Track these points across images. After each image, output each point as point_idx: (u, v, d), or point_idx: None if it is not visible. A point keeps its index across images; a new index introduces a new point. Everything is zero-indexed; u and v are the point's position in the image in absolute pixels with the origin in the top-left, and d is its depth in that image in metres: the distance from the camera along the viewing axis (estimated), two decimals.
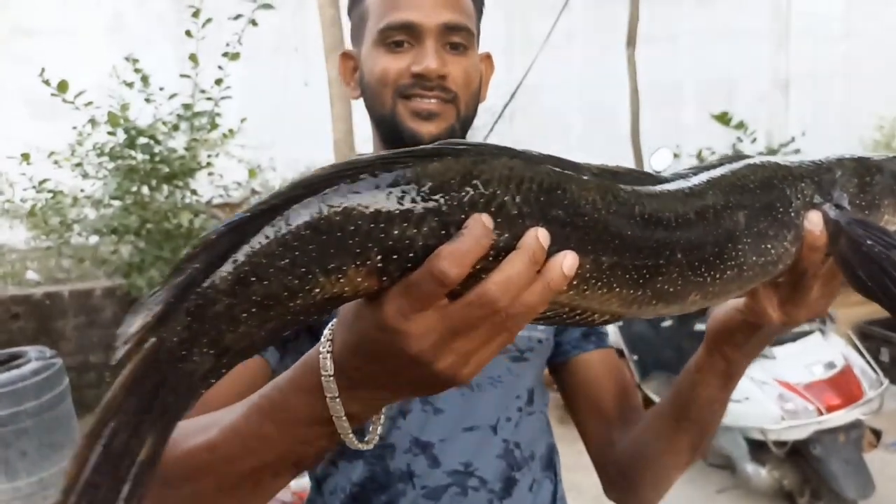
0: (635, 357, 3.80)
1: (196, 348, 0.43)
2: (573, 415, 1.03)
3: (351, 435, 0.52)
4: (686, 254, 0.53)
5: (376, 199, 0.44)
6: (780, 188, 0.60)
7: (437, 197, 0.44)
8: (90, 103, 3.82)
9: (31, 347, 3.48)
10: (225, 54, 3.89)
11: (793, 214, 0.60)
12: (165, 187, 4.05)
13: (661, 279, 0.53)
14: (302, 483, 2.99)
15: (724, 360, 0.76)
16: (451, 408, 0.92)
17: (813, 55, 6.24)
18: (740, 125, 5.10)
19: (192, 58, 3.85)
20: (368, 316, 0.47)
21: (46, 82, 3.68)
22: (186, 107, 4.02)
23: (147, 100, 4.00)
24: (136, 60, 4.00)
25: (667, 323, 3.75)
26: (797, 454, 3.07)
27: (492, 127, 3.89)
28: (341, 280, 0.44)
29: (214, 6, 3.75)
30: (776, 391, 3.08)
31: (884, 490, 3.10)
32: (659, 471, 0.91)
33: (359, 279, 0.44)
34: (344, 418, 0.51)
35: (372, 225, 0.43)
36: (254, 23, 3.86)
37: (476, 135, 0.99)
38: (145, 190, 4.00)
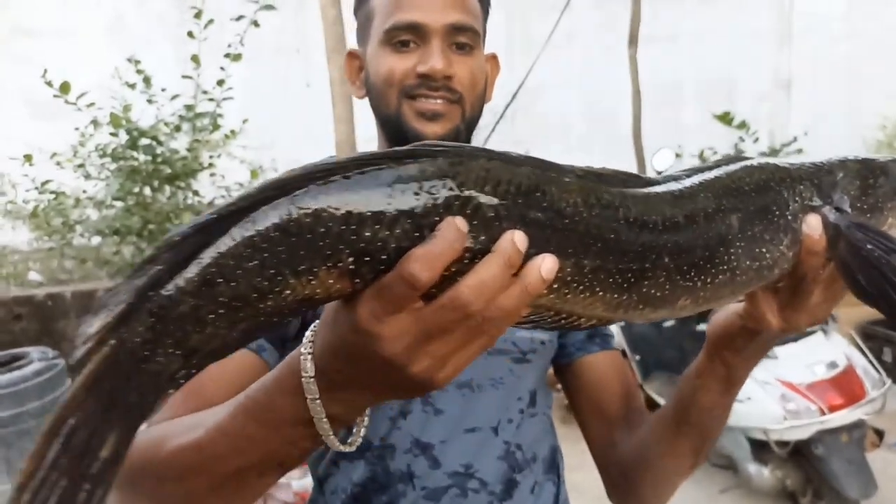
0: (637, 357, 3.80)
1: (160, 349, 0.43)
2: (577, 416, 1.03)
3: (332, 436, 0.52)
4: (674, 258, 0.53)
5: (347, 200, 0.43)
6: (776, 191, 0.59)
7: (409, 199, 0.44)
8: (92, 104, 3.83)
9: (33, 348, 3.49)
10: (227, 55, 3.90)
11: (790, 218, 0.59)
12: (167, 188, 4.06)
13: (648, 283, 0.52)
14: (304, 483, 2.99)
15: (724, 365, 0.75)
16: (452, 409, 0.92)
17: (815, 55, 6.22)
18: (742, 125, 5.09)
19: (194, 59, 3.86)
20: (344, 318, 0.47)
21: (49, 83, 3.69)
22: (188, 108, 4.03)
23: (149, 101, 4.01)
24: (137, 62, 4.00)
25: (669, 323, 3.75)
26: (799, 454, 3.07)
27: (493, 127, 3.89)
28: (312, 282, 0.44)
29: (216, 7, 3.76)
30: (778, 391, 3.08)
31: (886, 490, 3.10)
32: (660, 474, 0.90)
33: (330, 281, 0.44)
34: (325, 420, 0.51)
35: (342, 227, 0.43)
36: (255, 24, 3.86)
37: (478, 135, 0.99)
38: (147, 191, 4.01)
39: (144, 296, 0.43)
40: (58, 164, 4.01)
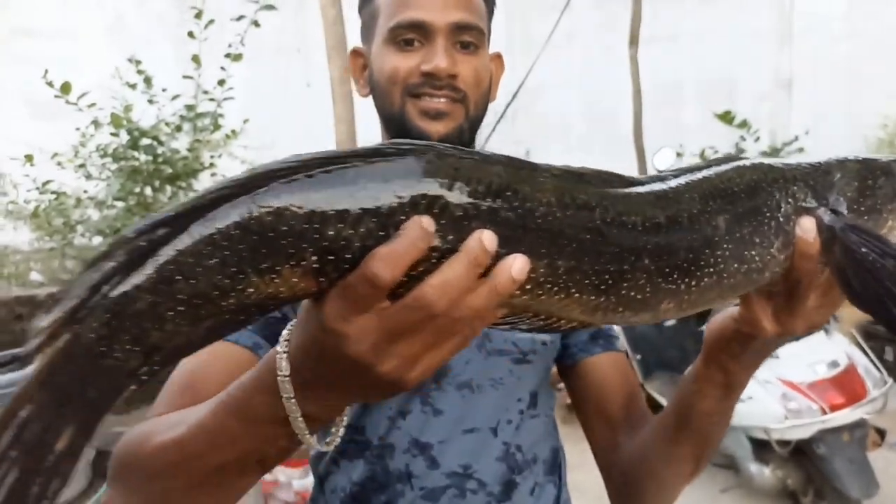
0: (638, 356, 3.80)
1: (117, 345, 0.43)
2: (580, 418, 1.02)
3: (308, 435, 0.52)
4: (655, 259, 0.51)
5: (310, 198, 0.43)
6: (767, 192, 0.57)
7: (374, 197, 0.43)
8: (93, 104, 3.83)
9: None
10: (227, 55, 3.90)
11: (782, 220, 0.57)
12: (168, 188, 4.06)
13: (627, 286, 0.51)
14: (305, 483, 3.00)
15: (721, 371, 0.73)
16: (451, 409, 0.91)
17: (816, 54, 6.22)
18: (743, 124, 5.09)
19: (195, 59, 3.86)
20: (313, 317, 0.47)
21: (50, 84, 3.69)
22: (189, 108, 4.03)
23: (150, 101, 4.01)
24: (138, 62, 4.01)
25: (670, 322, 3.75)
26: (801, 453, 3.07)
27: (493, 127, 3.89)
28: (276, 280, 0.44)
29: (216, 7, 3.76)
30: (779, 390, 3.08)
31: (888, 489, 3.09)
32: (661, 479, 0.89)
33: (294, 280, 0.44)
34: (300, 419, 0.51)
35: (305, 225, 0.43)
36: (256, 24, 3.86)
37: (479, 135, 0.98)
38: (148, 191, 4.01)
39: (98, 291, 0.42)
40: (59, 164, 4.02)
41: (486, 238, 0.44)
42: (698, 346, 0.78)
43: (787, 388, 3.07)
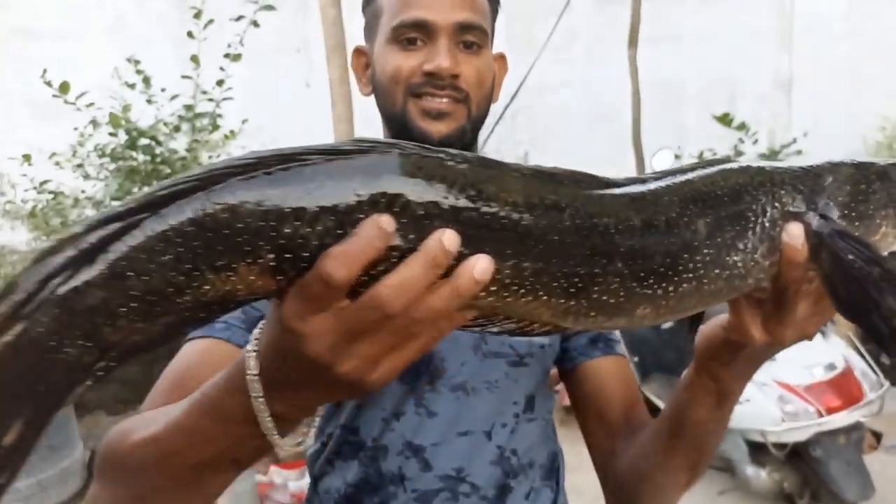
0: (636, 358, 3.80)
1: (68, 340, 0.42)
2: (580, 422, 1.02)
3: (276, 436, 0.51)
4: (629, 263, 0.50)
5: (267, 195, 0.42)
6: (752, 195, 0.55)
7: (332, 195, 0.43)
8: (91, 104, 3.82)
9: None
10: (226, 55, 3.89)
11: (767, 225, 0.55)
12: None
13: (598, 289, 0.49)
14: (301, 484, 3.00)
15: (712, 379, 0.72)
16: (445, 411, 0.91)
17: (816, 56, 6.22)
18: (742, 126, 5.10)
19: (194, 59, 3.85)
20: (276, 316, 0.47)
21: (48, 83, 3.68)
22: (188, 108, 4.02)
23: (148, 101, 4.01)
24: (137, 62, 4.00)
25: (668, 325, 3.75)
26: (797, 456, 3.07)
27: (492, 128, 3.89)
28: (232, 278, 0.43)
29: (216, 7, 3.75)
30: (776, 393, 3.08)
31: (884, 492, 3.09)
32: (656, 488, 0.88)
33: (251, 277, 0.44)
34: (268, 418, 0.50)
35: (261, 223, 0.42)
36: (255, 24, 3.86)
37: (480, 135, 0.98)
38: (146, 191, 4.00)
39: (47, 285, 0.42)
40: (56, 164, 4.01)
41: (446, 238, 0.43)
42: None
43: (783, 391, 3.08)
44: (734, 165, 0.58)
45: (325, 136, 3.55)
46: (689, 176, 0.56)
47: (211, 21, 3.79)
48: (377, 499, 0.90)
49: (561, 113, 6.07)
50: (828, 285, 0.55)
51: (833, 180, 0.58)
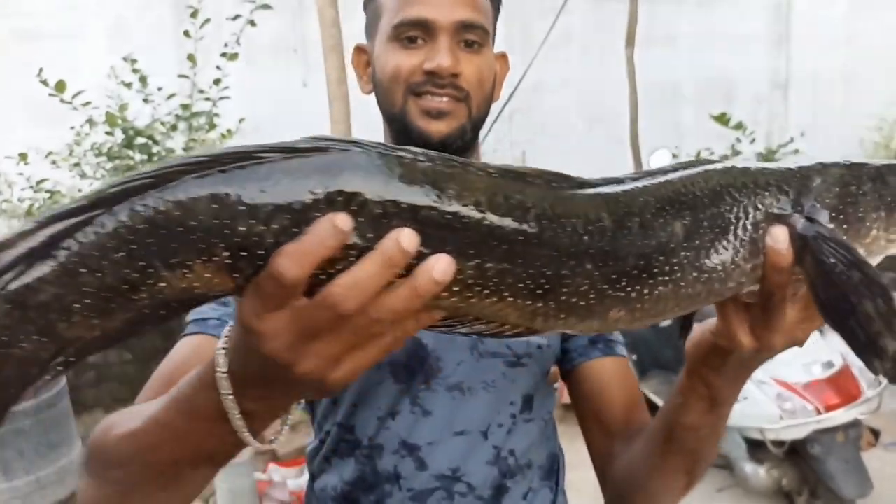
0: (634, 356, 3.80)
1: (22, 335, 0.42)
2: (579, 422, 1.01)
3: (246, 433, 0.51)
4: (599, 265, 0.49)
5: (221, 193, 0.42)
6: (733, 197, 0.54)
7: (287, 194, 0.42)
8: (88, 103, 3.82)
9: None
10: (223, 54, 3.89)
11: (750, 227, 0.53)
12: None
13: (567, 291, 0.48)
14: (300, 483, 2.99)
15: (704, 384, 0.70)
16: (441, 411, 0.91)
17: (813, 57, 6.24)
18: (739, 126, 5.10)
19: (191, 58, 3.85)
20: (238, 314, 0.46)
21: (44, 82, 3.68)
22: (185, 107, 4.02)
23: (145, 100, 4.00)
24: (134, 61, 4.00)
25: (666, 322, 3.76)
26: (795, 454, 3.08)
27: (490, 127, 3.89)
28: (188, 275, 0.43)
29: (213, 7, 3.75)
30: (774, 391, 3.09)
31: (882, 489, 3.10)
32: (652, 492, 0.87)
33: (207, 275, 0.43)
34: (238, 416, 0.50)
35: (215, 220, 0.42)
36: (252, 23, 3.86)
37: (479, 135, 0.98)
38: None
39: None
40: (53, 162, 4.00)
41: (403, 237, 0.42)
42: None
43: (782, 389, 3.08)
44: (718, 166, 0.56)
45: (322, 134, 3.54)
46: (670, 177, 0.54)
47: (207, 20, 3.78)
48: (373, 497, 0.90)
49: (558, 113, 6.07)
50: (811, 289, 0.53)
51: (821, 181, 0.56)
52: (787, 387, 3.07)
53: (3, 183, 4.26)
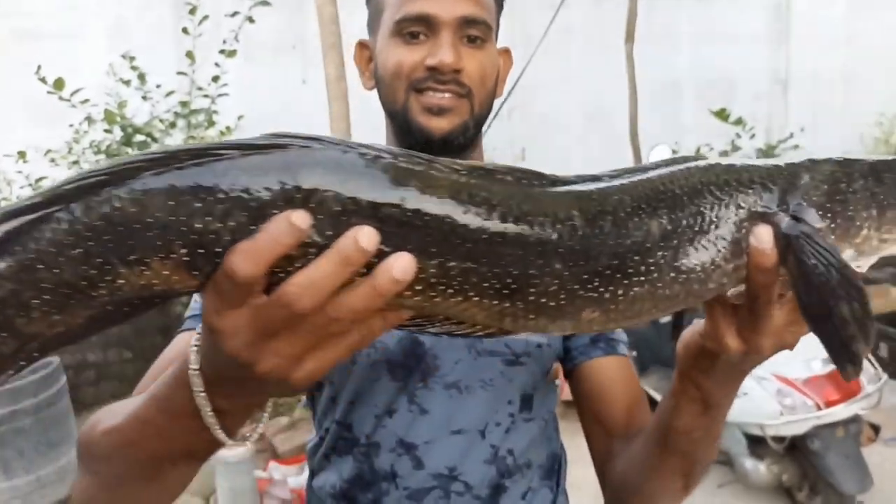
0: (634, 353, 3.80)
1: None
2: (581, 421, 1.00)
3: (218, 430, 0.51)
4: (569, 264, 0.47)
5: (177, 190, 0.42)
6: (714, 195, 0.52)
7: (244, 191, 0.42)
8: (86, 101, 3.81)
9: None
10: (222, 52, 3.88)
11: (731, 226, 0.51)
12: None
13: (535, 291, 0.47)
14: (301, 480, 2.99)
15: (694, 386, 0.69)
16: (438, 409, 0.90)
17: (813, 54, 6.23)
18: (739, 121, 5.10)
19: (189, 55, 3.84)
20: (202, 311, 0.46)
21: (42, 80, 3.67)
22: (183, 104, 4.02)
23: (144, 97, 4.00)
24: (132, 58, 3.99)
25: (666, 319, 3.75)
26: (796, 449, 3.07)
27: (489, 124, 3.88)
28: (146, 272, 0.43)
29: (212, 4, 3.75)
30: (774, 386, 3.09)
31: (882, 485, 3.11)
32: (649, 495, 0.85)
33: (166, 272, 0.43)
34: (210, 413, 0.50)
35: (171, 218, 0.42)
36: (251, 20, 3.85)
37: (482, 132, 0.97)
38: None
39: None
40: (52, 160, 4.00)
41: (361, 235, 0.41)
42: None
43: (782, 385, 3.08)
44: (702, 163, 0.54)
45: (321, 132, 3.53)
46: (650, 174, 0.53)
47: (206, 17, 3.78)
48: (371, 495, 0.90)
49: (558, 109, 6.06)
50: (794, 290, 0.52)
51: (810, 179, 0.54)
52: (787, 382, 3.07)
53: (2, 181, 4.25)
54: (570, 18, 5.36)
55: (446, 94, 0.87)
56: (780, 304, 0.55)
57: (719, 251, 0.51)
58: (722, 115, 4.92)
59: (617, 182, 0.52)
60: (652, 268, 0.50)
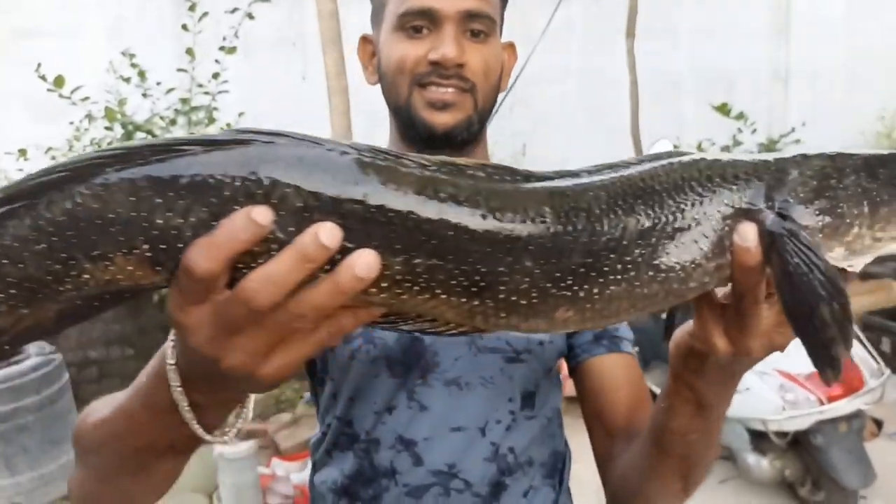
0: (636, 349, 3.80)
1: None
2: (584, 420, 0.98)
3: (196, 425, 0.51)
4: (540, 262, 0.46)
5: (138, 186, 0.42)
6: (696, 191, 0.50)
7: (205, 187, 0.42)
8: (87, 98, 3.81)
9: (30, 343, 3.48)
10: (222, 48, 3.88)
11: (713, 223, 0.50)
12: None
13: (505, 289, 0.46)
14: (303, 476, 3.00)
15: (687, 387, 0.67)
16: (437, 406, 0.90)
17: (813, 49, 6.22)
18: (740, 116, 5.09)
19: (189, 52, 3.84)
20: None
21: (43, 77, 3.67)
22: (184, 101, 4.01)
23: (144, 95, 4.00)
24: (132, 55, 3.99)
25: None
26: (798, 444, 3.07)
27: (490, 118, 3.87)
28: (110, 268, 0.43)
29: (212, 1, 3.74)
30: (777, 381, 3.08)
31: (885, 479, 3.10)
32: (647, 497, 0.84)
33: (130, 268, 0.43)
34: (187, 408, 0.50)
35: (133, 213, 0.42)
36: (250, 16, 3.85)
37: (486, 126, 0.96)
38: None
39: None
40: (53, 158, 4.00)
41: (322, 232, 0.41)
42: None
43: (784, 380, 3.08)
44: (686, 158, 0.53)
45: (321, 128, 3.53)
46: (631, 170, 0.51)
47: (205, 14, 3.77)
48: (371, 491, 0.90)
49: (559, 104, 6.04)
50: (777, 290, 0.50)
51: (798, 174, 0.52)
52: (790, 377, 3.07)
53: (3, 179, 4.25)
54: (571, 14, 5.35)
55: (450, 89, 0.86)
56: (770, 305, 0.54)
57: (700, 249, 0.50)
58: (723, 109, 4.92)
59: (596, 178, 0.50)
60: (629, 266, 0.48)
